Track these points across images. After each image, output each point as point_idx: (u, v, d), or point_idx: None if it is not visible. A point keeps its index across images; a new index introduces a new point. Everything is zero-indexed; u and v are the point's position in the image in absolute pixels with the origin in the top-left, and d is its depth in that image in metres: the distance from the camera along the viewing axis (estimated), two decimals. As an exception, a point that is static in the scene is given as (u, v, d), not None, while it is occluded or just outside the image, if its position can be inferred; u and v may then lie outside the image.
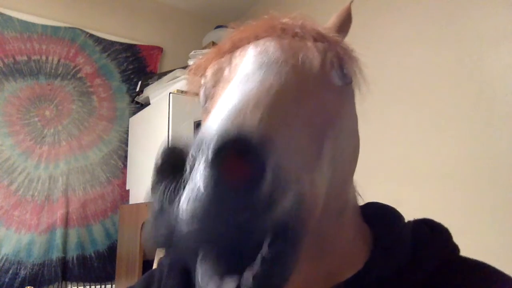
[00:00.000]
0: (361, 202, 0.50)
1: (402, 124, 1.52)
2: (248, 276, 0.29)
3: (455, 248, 0.47)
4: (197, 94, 0.48)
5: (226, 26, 2.47)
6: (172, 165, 0.28)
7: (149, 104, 2.06)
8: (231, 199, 0.26)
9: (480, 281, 0.43)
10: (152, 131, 1.89)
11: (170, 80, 1.93)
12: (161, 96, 1.93)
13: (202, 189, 0.26)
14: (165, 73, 2.05)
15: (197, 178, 0.27)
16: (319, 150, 0.37)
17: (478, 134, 1.28)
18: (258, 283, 0.29)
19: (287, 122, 0.34)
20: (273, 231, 0.29)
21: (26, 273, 1.83)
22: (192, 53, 2.16)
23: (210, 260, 0.31)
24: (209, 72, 0.45)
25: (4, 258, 1.82)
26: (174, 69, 1.97)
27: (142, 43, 2.41)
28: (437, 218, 0.51)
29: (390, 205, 0.52)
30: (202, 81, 0.46)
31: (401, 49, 1.57)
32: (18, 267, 1.83)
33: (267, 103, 0.33)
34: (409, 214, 0.51)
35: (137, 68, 2.36)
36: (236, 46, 0.44)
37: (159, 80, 2.02)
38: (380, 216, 0.49)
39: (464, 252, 0.48)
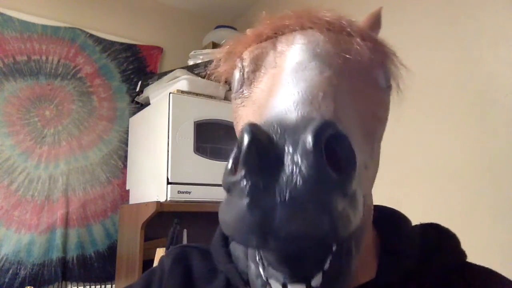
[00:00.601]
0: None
1: (402, 123, 1.52)
2: (318, 277, 0.28)
3: (463, 254, 0.47)
4: (225, 81, 0.46)
5: (226, 26, 2.47)
6: (259, 153, 0.25)
7: (149, 104, 2.06)
8: (332, 185, 0.25)
9: (489, 286, 0.43)
10: (152, 131, 1.89)
11: (170, 80, 1.93)
12: (161, 96, 1.93)
13: (303, 173, 0.24)
14: (165, 73, 2.05)
15: (294, 166, 0.24)
16: (371, 150, 0.36)
17: (478, 134, 1.28)
18: (328, 283, 0.28)
19: (350, 116, 0.33)
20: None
21: (26, 273, 1.83)
22: (192, 53, 2.16)
23: (273, 264, 0.29)
24: (248, 56, 0.42)
25: (4, 258, 1.82)
26: (174, 69, 1.97)
27: (142, 43, 2.41)
28: (436, 218, 0.51)
29: (390, 205, 0.52)
30: (239, 64, 0.43)
31: (400, 49, 1.57)
32: (18, 267, 1.83)
33: (332, 94, 0.32)
34: (409, 214, 0.51)
35: (137, 68, 2.36)
36: (279, 33, 0.41)
37: (159, 80, 2.02)
38: (386, 220, 0.48)
39: (466, 251, 0.48)
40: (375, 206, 0.50)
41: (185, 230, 1.68)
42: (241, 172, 0.25)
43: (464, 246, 0.48)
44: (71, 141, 2.08)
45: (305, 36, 0.39)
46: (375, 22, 0.49)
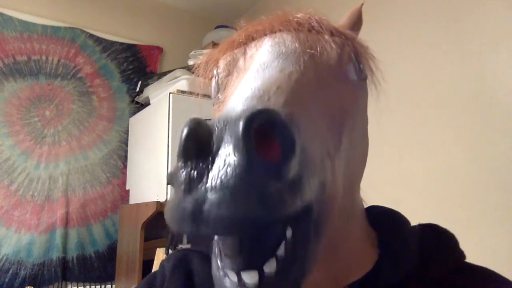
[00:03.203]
0: (364, 206, 0.50)
1: (401, 123, 1.52)
2: (271, 263, 0.28)
3: (462, 255, 0.47)
4: (207, 86, 0.47)
5: (226, 26, 2.47)
6: (196, 145, 0.26)
7: (149, 104, 2.06)
8: (263, 169, 0.25)
9: (487, 287, 0.43)
10: (152, 131, 1.89)
11: (170, 80, 1.93)
12: (161, 96, 1.93)
13: (233, 159, 0.25)
14: (165, 73, 2.05)
15: (226, 154, 0.25)
16: (338, 140, 0.37)
17: (478, 134, 1.28)
18: (283, 270, 0.28)
19: (308, 109, 0.34)
20: (298, 215, 0.28)
21: (26, 273, 1.83)
22: (192, 53, 2.16)
23: (228, 253, 0.30)
24: (222, 63, 0.44)
25: (4, 258, 1.82)
26: (174, 69, 1.97)
27: (142, 43, 2.41)
28: (437, 218, 0.51)
29: (390, 205, 0.52)
30: (214, 72, 0.45)
31: (400, 49, 1.57)
32: (18, 267, 1.83)
33: (289, 89, 0.33)
34: (409, 214, 0.51)
35: (137, 68, 2.36)
36: (251, 38, 0.43)
37: (159, 80, 2.02)
38: (385, 220, 0.48)
39: (465, 252, 0.48)
40: (374, 206, 0.51)
41: (185, 230, 1.68)
42: (178, 163, 0.27)
43: (465, 246, 0.48)
44: (71, 141, 2.08)
45: (273, 39, 0.41)
46: (356, 18, 0.50)
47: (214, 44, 2.26)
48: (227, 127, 0.26)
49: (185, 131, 0.26)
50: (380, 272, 0.42)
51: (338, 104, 0.39)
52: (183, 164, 0.27)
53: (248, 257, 0.29)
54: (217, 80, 0.44)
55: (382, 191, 1.48)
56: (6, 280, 1.79)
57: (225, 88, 0.43)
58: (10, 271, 1.81)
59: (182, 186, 0.26)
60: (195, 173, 0.26)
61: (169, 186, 1.64)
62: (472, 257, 0.48)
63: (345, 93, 0.40)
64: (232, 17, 2.70)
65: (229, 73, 0.43)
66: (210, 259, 0.52)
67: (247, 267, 0.28)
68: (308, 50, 0.39)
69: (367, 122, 0.46)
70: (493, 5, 1.30)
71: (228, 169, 0.25)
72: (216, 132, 0.27)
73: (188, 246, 1.65)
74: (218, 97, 0.44)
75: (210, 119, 0.28)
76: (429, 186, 1.39)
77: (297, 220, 0.29)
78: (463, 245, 0.48)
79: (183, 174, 0.26)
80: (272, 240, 0.29)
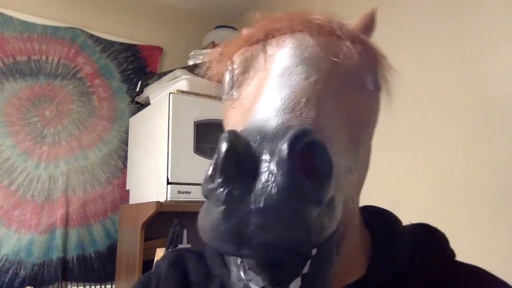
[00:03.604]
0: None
1: (401, 124, 1.52)
2: (297, 281, 0.28)
3: (452, 254, 0.48)
4: (219, 81, 0.46)
5: (226, 26, 2.47)
6: (236, 162, 0.26)
7: (149, 104, 2.06)
8: (306, 193, 0.25)
9: (478, 286, 0.44)
10: (152, 131, 1.89)
11: (170, 80, 1.93)
12: (161, 96, 1.93)
13: (277, 181, 0.24)
14: (165, 73, 2.05)
15: (269, 174, 0.25)
16: (356, 153, 0.37)
17: (478, 134, 1.28)
18: (307, 286, 0.28)
19: (333, 121, 0.33)
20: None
21: (26, 273, 1.83)
22: (192, 53, 2.16)
23: (253, 267, 0.29)
24: (238, 58, 0.43)
25: (4, 258, 1.82)
26: (174, 69, 1.97)
27: (142, 43, 2.41)
28: (436, 218, 0.51)
29: (390, 205, 0.52)
30: (229, 67, 0.44)
31: (399, 49, 1.57)
32: (18, 267, 1.83)
33: (316, 100, 0.32)
34: (409, 214, 0.51)
35: (137, 68, 2.36)
36: (270, 36, 0.42)
37: (159, 80, 2.02)
38: (378, 220, 0.49)
39: (465, 252, 0.48)
40: (367, 206, 0.51)
41: (185, 230, 1.68)
42: (218, 180, 0.26)
43: (465, 246, 0.48)
44: (71, 141, 2.08)
45: (294, 40, 0.39)
46: (369, 23, 0.49)
47: (214, 44, 2.26)
48: (264, 143, 0.26)
49: (225, 146, 0.25)
50: (374, 271, 0.42)
51: (357, 115, 0.38)
52: (224, 182, 0.26)
53: (275, 274, 0.29)
54: (232, 76, 0.43)
55: (382, 191, 1.48)
56: (6, 280, 1.79)
57: (240, 85, 0.42)
58: (10, 271, 1.81)
59: (223, 206, 0.25)
60: (237, 192, 0.25)
61: (169, 186, 1.64)
62: (472, 256, 0.48)
63: (364, 104, 0.40)
64: (232, 17, 2.70)
65: (245, 70, 0.42)
66: (205, 259, 0.53)
67: (274, 284, 0.29)
68: (330, 57, 0.38)
69: (375, 130, 0.46)
70: (493, 5, 1.30)
71: (273, 191, 0.24)
72: (254, 147, 0.26)
73: (188, 246, 1.64)
74: (232, 93, 0.43)
75: (240, 130, 0.27)
76: (429, 186, 1.39)
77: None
78: (463, 245, 0.48)
79: (224, 192, 0.25)
80: (298, 259, 0.29)
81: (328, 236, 0.27)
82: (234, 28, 2.50)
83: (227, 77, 0.44)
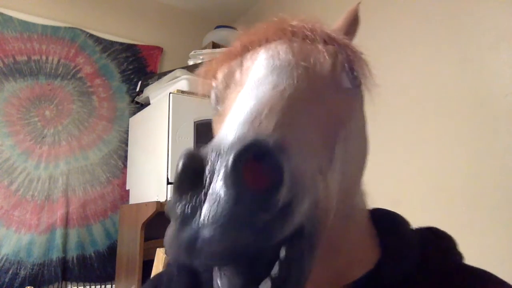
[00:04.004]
0: (369, 206, 0.50)
1: (401, 124, 1.52)
2: (266, 282, 0.29)
3: (461, 256, 0.48)
4: (207, 96, 0.49)
5: (226, 26, 2.47)
6: (192, 176, 0.28)
7: (149, 104, 2.06)
8: (251, 203, 0.26)
9: (484, 287, 0.44)
10: (152, 131, 1.89)
11: (170, 80, 1.93)
12: (161, 96, 1.93)
13: (222, 194, 0.26)
14: (165, 73, 2.05)
15: (218, 186, 0.27)
16: (331, 153, 0.37)
17: (478, 134, 1.28)
18: (280, 281, 0.29)
19: (301, 125, 0.34)
20: (291, 235, 0.29)
21: (26, 273, 1.83)
22: (192, 53, 2.16)
23: (227, 273, 0.31)
24: (220, 75, 0.45)
25: (4, 258, 1.82)
26: (174, 69, 1.97)
27: (142, 43, 2.41)
28: (436, 218, 0.51)
29: (390, 206, 0.53)
30: (213, 84, 0.46)
31: (399, 49, 1.57)
32: (18, 267, 1.83)
33: (281, 107, 0.34)
34: (409, 214, 0.51)
35: (137, 68, 2.36)
36: (246, 49, 0.44)
37: (159, 80, 2.02)
38: (387, 222, 0.49)
39: (464, 252, 0.48)
40: (376, 208, 0.51)
41: (185, 230, 1.68)
42: (174, 197, 0.28)
43: (465, 246, 0.48)
44: (71, 141, 2.08)
45: (268, 51, 0.41)
46: (353, 19, 0.50)
47: (214, 44, 2.26)
48: (218, 159, 0.27)
49: (180, 165, 0.27)
50: (381, 271, 0.43)
51: (332, 115, 0.39)
52: (178, 198, 0.28)
53: (245, 277, 0.30)
54: (216, 93, 0.46)
55: (382, 192, 1.48)
56: (6, 280, 1.79)
57: (224, 101, 0.44)
58: (10, 271, 1.81)
59: (178, 220, 0.27)
60: (189, 207, 0.27)
61: (169, 186, 1.64)
62: (472, 257, 0.48)
63: (340, 102, 0.41)
64: (232, 17, 2.70)
65: (227, 86, 0.44)
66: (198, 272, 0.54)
67: (245, 286, 0.30)
68: (301, 63, 0.39)
69: (365, 126, 0.46)
70: (493, 5, 1.30)
71: (218, 205, 0.26)
72: (209, 164, 0.28)
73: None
74: (217, 108, 0.46)
75: (203, 148, 0.29)
76: (429, 186, 1.39)
77: (290, 239, 0.30)
78: (463, 245, 0.48)
79: (178, 207, 0.28)
80: (266, 260, 0.30)
81: (279, 239, 0.28)
82: (234, 28, 2.50)
83: (212, 93, 0.47)
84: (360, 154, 0.44)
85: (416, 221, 0.54)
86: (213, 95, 0.47)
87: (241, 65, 0.43)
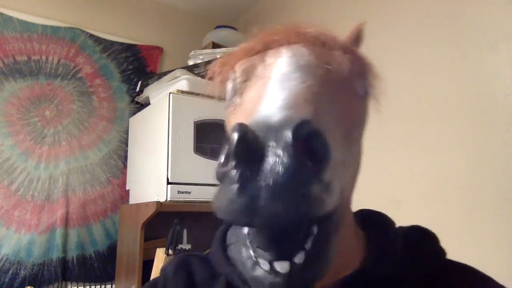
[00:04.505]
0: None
1: (401, 124, 1.52)
2: (301, 255, 0.32)
3: (443, 252, 0.51)
4: (221, 88, 0.51)
5: (226, 26, 2.47)
6: (246, 148, 0.30)
7: (149, 104, 2.06)
8: (308, 173, 0.29)
9: (467, 281, 0.47)
10: (152, 131, 1.89)
11: (170, 80, 1.93)
12: (161, 96, 1.93)
13: (283, 163, 0.28)
14: (165, 73, 2.05)
15: (276, 158, 0.29)
16: (349, 149, 0.41)
17: (477, 134, 1.28)
18: (310, 261, 0.32)
19: (328, 119, 0.38)
20: (322, 216, 0.32)
21: (26, 273, 1.83)
22: (192, 53, 2.16)
23: (263, 245, 0.33)
24: (239, 68, 0.47)
25: (4, 258, 1.82)
26: (174, 69, 1.97)
27: (142, 43, 2.41)
28: (436, 218, 0.52)
29: (390, 206, 0.54)
30: (232, 76, 0.48)
31: (399, 48, 1.57)
32: (18, 267, 1.83)
33: (312, 100, 0.37)
34: (409, 214, 0.51)
35: (137, 68, 2.36)
36: (268, 47, 0.46)
37: (159, 80, 2.02)
38: (372, 222, 0.52)
39: (464, 251, 0.49)
40: (362, 210, 0.55)
41: (185, 230, 1.68)
42: (231, 163, 0.30)
43: (465, 246, 0.49)
44: (71, 141, 2.08)
45: (291, 50, 0.44)
46: (357, 36, 0.54)
47: (214, 44, 2.26)
48: (270, 133, 0.30)
49: (236, 135, 0.30)
50: (367, 269, 0.46)
51: (349, 115, 0.43)
52: (236, 165, 0.30)
53: (280, 249, 0.33)
54: (234, 84, 0.47)
55: (382, 192, 1.48)
56: (6, 280, 1.79)
57: (242, 92, 0.46)
58: (10, 271, 1.81)
59: (237, 184, 0.30)
60: (249, 172, 0.29)
61: (169, 186, 1.64)
62: (472, 257, 0.49)
63: (354, 107, 0.44)
64: (232, 17, 2.70)
65: (246, 79, 0.46)
66: (208, 261, 0.56)
67: (280, 258, 0.33)
68: (323, 65, 0.42)
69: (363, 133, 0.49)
70: (493, 5, 1.30)
71: (281, 170, 0.28)
72: (261, 136, 0.30)
73: (188, 246, 1.64)
74: (235, 100, 0.47)
75: (248, 124, 0.32)
76: (429, 186, 1.39)
77: (321, 219, 0.33)
78: (463, 245, 0.49)
79: (237, 173, 0.30)
80: (300, 235, 0.33)
81: (327, 211, 0.31)
82: (234, 28, 2.50)
83: (229, 85, 0.48)
84: (359, 158, 0.47)
85: (416, 221, 0.54)
86: (230, 87, 0.48)
87: (263, 60, 0.45)
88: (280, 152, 0.29)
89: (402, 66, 1.55)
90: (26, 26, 2.05)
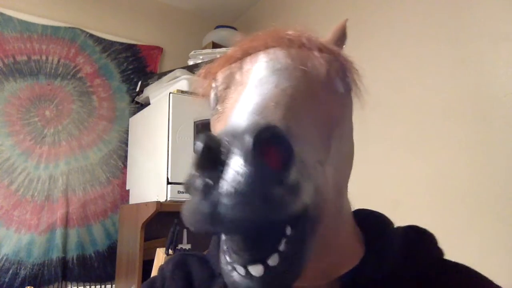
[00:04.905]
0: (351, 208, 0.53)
1: (400, 124, 1.52)
2: (274, 257, 0.32)
3: (441, 252, 0.51)
4: (205, 97, 0.52)
5: (226, 26, 2.47)
6: (210, 157, 0.30)
7: (149, 104, 2.06)
8: (269, 177, 0.29)
9: (464, 281, 0.47)
10: (152, 131, 1.89)
11: (170, 80, 1.93)
12: (161, 96, 1.93)
13: (243, 169, 0.29)
14: (165, 73, 2.05)
15: (237, 165, 0.29)
16: (328, 148, 0.41)
17: (477, 134, 1.28)
18: (284, 263, 0.32)
19: (302, 120, 0.38)
20: (296, 216, 0.32)
21: (26, 273, 1.84)
22: (192, 53, 2.16)
23: (235, 249, 0.34)
24: (220, 76, 0.48)
25: (4, 258, 1.82)
26: (174, 69, 1.97)
27: (142, 43, 2.41)
28: (435, 219, 0.52)
29: (390, 206, 0.54)
30: (213, 85, 0.49)
31: (399, 48, 1.57)
32: (18, 267, 1.83)
33: (284, 103, 0.37)
34: (408, 214, 0.51)
35: (137, 68, 2.36)
36: (246, 54, 0.47)
37: (159, 80, 2.02)
38: (371, 221, 0.53)
39: (464, 251, 0.49)
40: (360, 209, 0.55)
41: (185, 230, 1.68)
42: (195, 174, 0.31)
43: (465, 246, 0.49)
44: (71, 141, 2.08)
45: (267, 55, 0.44)
46: (341, 34, 0.54)
47: (214, 44, 2.26)
48: (234, 141, 0.30)
49: (200, 145, 0.30)
50: (365, 267, 0.46)
51: (327, 115, 0.43)
52: (199, 173, 0.31)
53: (253, 253, 0.33)
54: (216, 93, 0.48)
55: (382, 192, 1.48)
56: (6, 280, 1.79)
57: (223, 100, 0.47)
58: (10, 271, 1.81)
59: (199, 192, 0.30)
60: (211, 180, 0.30)
61: (169, 186, 1.64)
62: (472, 257, 0.49)
63: (334, 105, 0.44)
64: (232, 17, 2.70)
65: (227, 86, 0.47)
66: (207, 261, 0.56)
67: (253, 261, 0.33)
68: (300, 66, 0.43)
69: (352, 130, 0.49)
70: (493, 5, 1.30)
71: (240, 178, 0.29)
72: (225, 145, 0.31)
73: (188, 246, 1.64)
74: (217, 108, 0.48)
75: (215, 133, 0.32)
76: (428, 187, 1.39)
77: (295, 220, 0.33)
78: (463, 245, 0.49)
79: (200, 181, 0.30)
80: (273, 237, 0.33)
81: (296, 212, 0.31)
82: (234, 28, 2.50)
83: (212, 94, 0.49)
84: (349, 156, 0.48)
85: (416, 221, 0.54)
86: (212, 95, 0.49)
87: (241, 67, 0.46)
88: (240, 158, 0.29)
89: (402, 66, 1.55)
90: (26, 26, 2.05)
